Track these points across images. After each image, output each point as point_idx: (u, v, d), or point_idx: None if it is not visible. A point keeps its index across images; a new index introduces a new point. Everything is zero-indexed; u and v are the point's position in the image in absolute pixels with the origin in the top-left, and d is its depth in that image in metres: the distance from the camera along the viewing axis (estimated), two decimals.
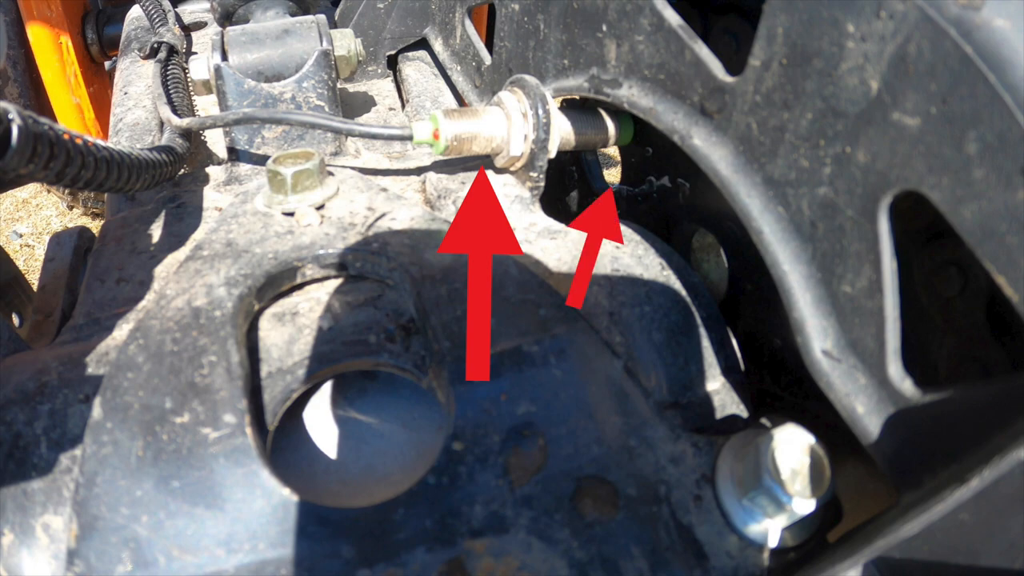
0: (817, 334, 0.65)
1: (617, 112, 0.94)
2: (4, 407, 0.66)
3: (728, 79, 0.68)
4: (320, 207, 0.83)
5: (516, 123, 0.85)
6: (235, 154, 1.00)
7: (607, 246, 0.81)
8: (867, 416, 0.59)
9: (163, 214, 0.99)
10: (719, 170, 0.70)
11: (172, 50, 1.21)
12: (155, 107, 1.13)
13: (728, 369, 0.78)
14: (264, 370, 0.70)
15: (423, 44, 1.22)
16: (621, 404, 0.67)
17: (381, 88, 1.22)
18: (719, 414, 0.77)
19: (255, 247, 0.77)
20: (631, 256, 0.81)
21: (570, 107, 0.93)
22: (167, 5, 1.30)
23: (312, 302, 0.76)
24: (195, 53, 1.29)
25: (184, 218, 0.96)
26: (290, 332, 0.73)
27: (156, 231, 0.97)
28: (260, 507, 0.59)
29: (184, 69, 1.19)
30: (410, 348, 0.71)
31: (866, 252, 0.57)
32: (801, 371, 0.81)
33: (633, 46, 0.79)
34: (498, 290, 0.69)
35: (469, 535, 0.59)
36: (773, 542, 0.64)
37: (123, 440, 0.61)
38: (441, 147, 0.85)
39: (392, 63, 1.25)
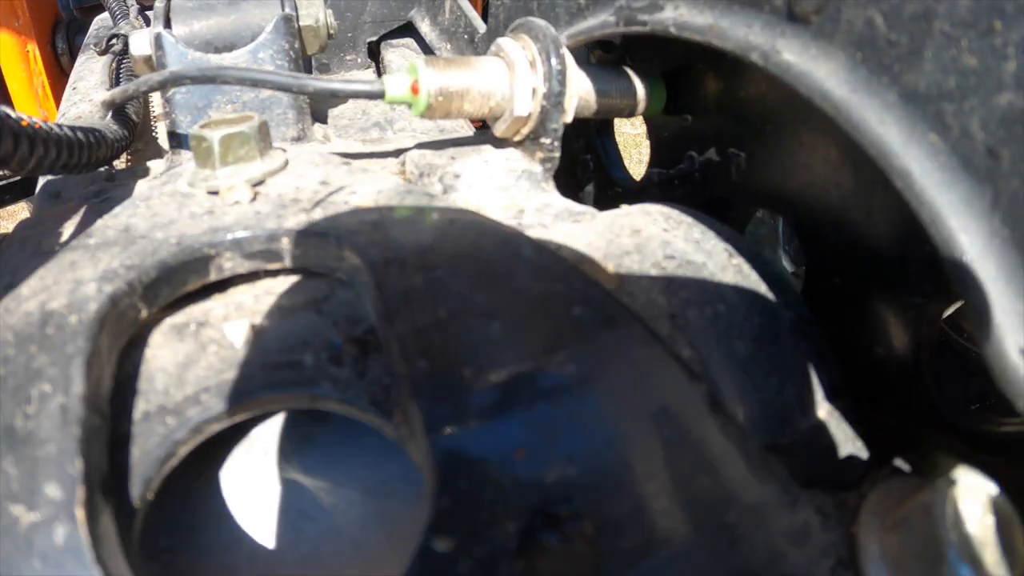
0: (1012, 324, 0.35)
1: (644, 74, 0.62)
2: None
3: None
4: (259, 184, 0.50)
5: (521, 74, 0.53)
6: (176, 140, 0.68)
7: (652, 228, 0.49)
8: None
9: (83, 210, 0.65)
10: (829, 92, 0.41)
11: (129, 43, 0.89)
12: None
13: (834, 392, 0.45)
14: (140, 408, 0.37)
15: (408, 31, 0.90)
16: (708, 455, 0.34)
17: (361, 79, 0.90)
18: (832, 456, 0.44)
19: (156, 232, 0.44)
20: (686, 240, 0.48)
21: (586, 63, 0.60)
22: (131, 0, 0.99)
23: (231, 307, 0.43)
24: None
25: (103, 213, 0.62)
26: (187, 350, 0.40)
27: (69, 229, 0.63)
28: None
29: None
30: (366, 373, 0.38)
31: None
32: (914, 389, 0.48)
33: None
34: (503, 280, 0.36)
35: None
36: None
37: None
38: (422, 104, 0.52)
39: (374, 52, 0.93)
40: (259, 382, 0.38)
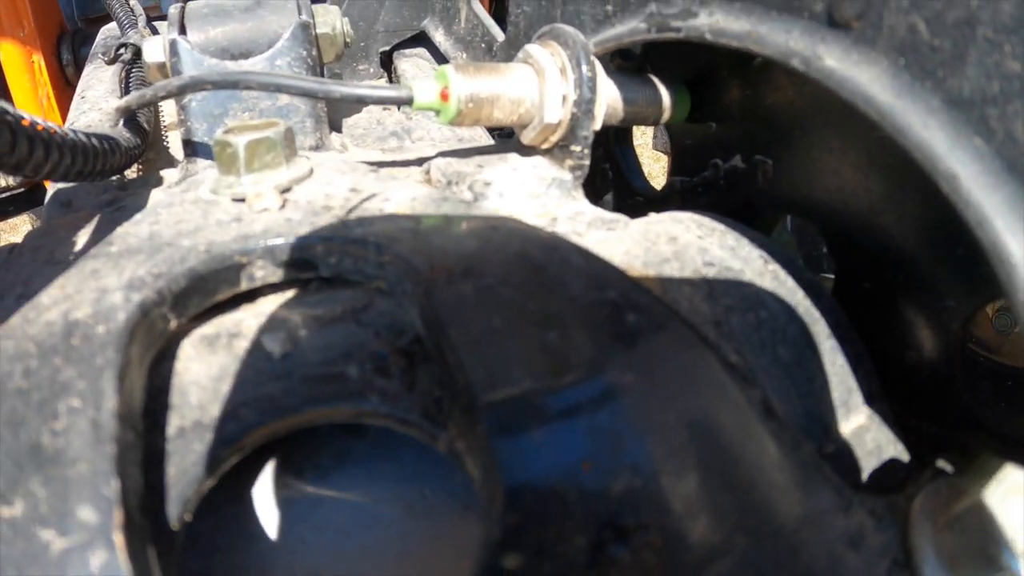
0: None
1: (668, 82, 0.62)
2: None
3: None
4: (285, 191, 0.49)
5: (552, 81, 0.52)
6: (191, 148, 0.67)
7: (687, 235, 0.48)
8: None
9: (96, 219, 0.64)
10: (872, 97, 0.41)
11: (138, 53, 0.88)
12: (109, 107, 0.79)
13: (872, 396, 0.45)
14: (173, 424, 0.36)
15: (420, 41, 0.90)
16: (764, 462, 0.33)
17: (388, 85, 0.89)
18: (875, 460, 0.43)
19: (183, 239, 0.43)
20: (721, 247, 0.48)
21: (613, 72, 0.60)
22: (139, 9, 0.98)
23: (262, 318, 0.41)
24: None
25: (118, 222, 0.60)
26: (222, 363, 0.38)
27: (82, 238, 0.62)
28: None
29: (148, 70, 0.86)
30: (415, 386, 0.37)
31: None
32: (947, 393, 0.48)
33: None
34: (556, 288, 0.35)
35: None
36: None
37: None
38: (452, 111, 0.52)
39: (386, 61, 0.92)
40: (302, 396, 0.37)
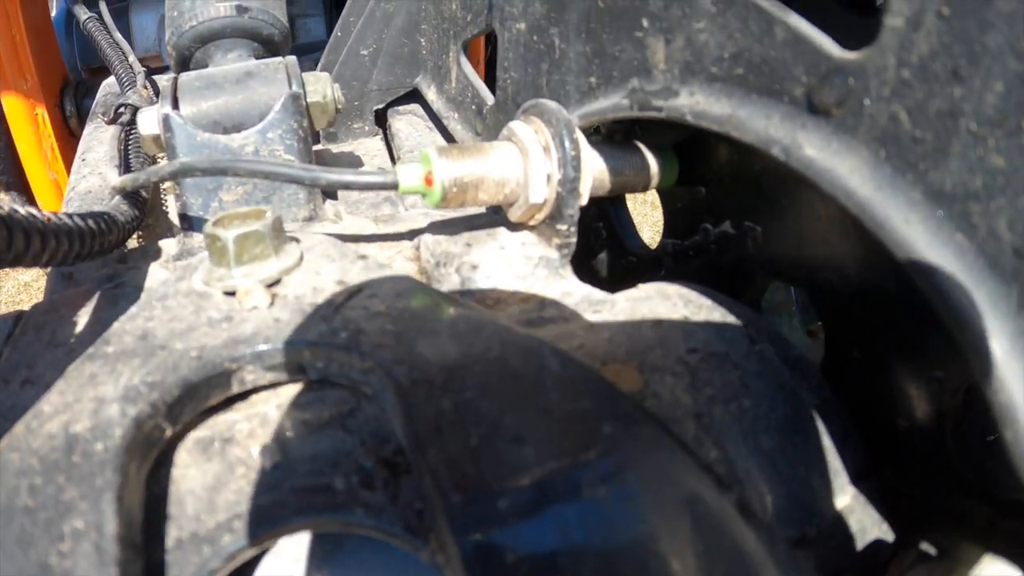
0: None
1: (655, 147, 0.62)
2: None
3: (848, 55, 0.40)
4: (275, 283, 0.50)
5: (535, 160, 0.53)
6: (188, 222, 0.68)
7: (673, 314, 0.49)
8: None
9: (96, 297, 0.65)
10: (852, 190, 0.41)
11: (137, 113, 0.90)
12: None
13: (859, 475, 0.45)
14: (172, 535, 0.37)
15: (414, 97, 0.91)
16: (740, 560, 0.34)
17: (369, 147, 0.91)
18: (859, 542, 0.43)
19: (176, 341, 0.44)
20: (707, 329, 0.48)
21: (598, 142, 0.61)
22: (138, 66, 1.00)
23: (255, 422, 0.42)
24: None
25: (119, 301, 0.62)
26: (216, 471, 0.40)
27: (83, 318, 0.63)
28: None
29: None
30: (398, 498, 0.38)
31: None
32: (938, 459, 0.49)
33: (691, 38, 0.48)
34: (532, 399, 0.36)
35: None
36: None
37: None
38: (437, 195, 0.53)
39: (381, 119, 0.93)
40: (291, 508, 0.38)
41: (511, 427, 0.36)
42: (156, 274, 0.70)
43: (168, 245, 0.74)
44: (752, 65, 0.46)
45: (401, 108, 0.93)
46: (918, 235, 0.38)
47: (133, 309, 0.53)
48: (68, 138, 1.31)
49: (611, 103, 0.57)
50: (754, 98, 0.46)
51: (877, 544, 0.44)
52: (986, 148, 0.34)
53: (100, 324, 0.61)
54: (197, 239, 0.70)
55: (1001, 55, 0.33)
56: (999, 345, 0.36)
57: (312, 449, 0.41)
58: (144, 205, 0.76)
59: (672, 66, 0.52)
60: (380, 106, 0.90)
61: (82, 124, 1.31)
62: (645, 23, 0.52)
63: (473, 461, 0.34)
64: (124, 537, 0.36)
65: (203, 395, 0.44)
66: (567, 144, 0.54)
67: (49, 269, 0.78)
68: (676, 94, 0.51)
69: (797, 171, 0.44)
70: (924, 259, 0.38)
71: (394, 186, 0.54)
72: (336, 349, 0.43)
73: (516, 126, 0.56)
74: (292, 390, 0.46)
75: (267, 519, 0.39)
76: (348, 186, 0.55)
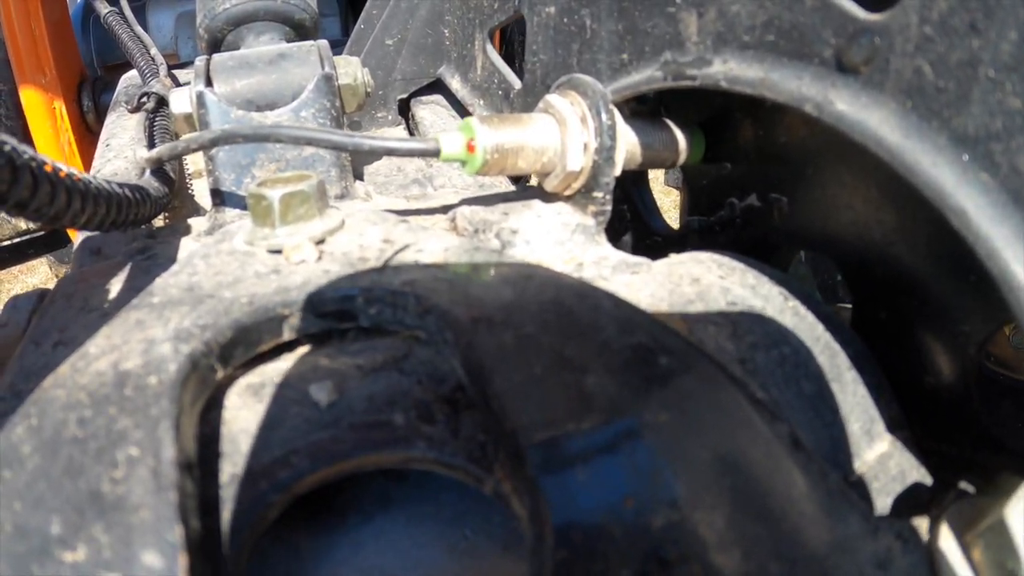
0: None
1: (682, 124, 0.64)
2: None
3: (873, 17, 0.43)
4: (319, 242, 0.51)
5: (572, 129, 0.55)
6: (219, 197, 0.70)
7: (709, 275, 0.50)
8: None
9: (128, 267, 0.66)
10: (883, 138, 0.44)
11: (161, 102, 0.92)
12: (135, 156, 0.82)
13: (894, 423, 0.47)
14: (226, 472, 0.38)
15: (436, 88, 0.93)
16: (794, 493, 0.35)
17: (415, 138, 0.92)
18: (899, 485, 0.45)
19: (224, 291, 0.45)
20: (742, 286, 0.50)
21: (628, 118, 0.63)
22: (160, 59, 1.02)
23: (307, 366, 0.43)
24: None
25: (152, 271, 0.64)
26: (270, 412, 0.41)
27: (116, 286, 0.64)
28: None
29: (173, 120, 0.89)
30: (459, 432, 0.39)
31: None
32: (965, 415, 0.50)
33: (723, 10, 0.51)
34: (590, 334, 0.37)
35: None
36: None
37: None
38: (478, 162, 0.54)
39: (404, 108, 0.95)
40: (351, 443, 0.39)
41: (573, 358, 0.37)
42: (187, 247, 0.71)
43: (197, 223, 0.75)
44: (782, 31, 0.49)
45: (424, 98, 0.95)
46: (946, 177, 0.41)
47: (175, 267, 0.54)
48: (85, 133, 1.33)
49: (644, 76, 0.59)
50: (785, 61, 0.49)
51: (917, 486, 0.45)
52: (1004, 92, 0.37)
53: (133, 291, 0.62)
54: (228, 215, 0.71)
55: (1013, 7, 0.36)
56: None
57: (368, 389, 0.42)
58: (174, 186, 0.77)
59: (705, 37, 0.54)
60: (404, 96, 0.92)
61: (100, 119, 1.32)
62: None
63: (538, 387, 0.36)
64: (182, 464, 0.36)
65: (254, 339, 0.45)
66: (603, 114, 0.56)
67: (76, 247, 0.79)
68: (709, 63, 0.54)
69: (828, 127, 0.46)
70: (953, 199, 0.40)
71: (436, 152, 0.56)
72: (391, 295, 0.44)
73: (553, 98, 0.59)
74: (342, 340, 0.47)
75: (325, 454, 0.39)
76: (390, 152, 0.57)
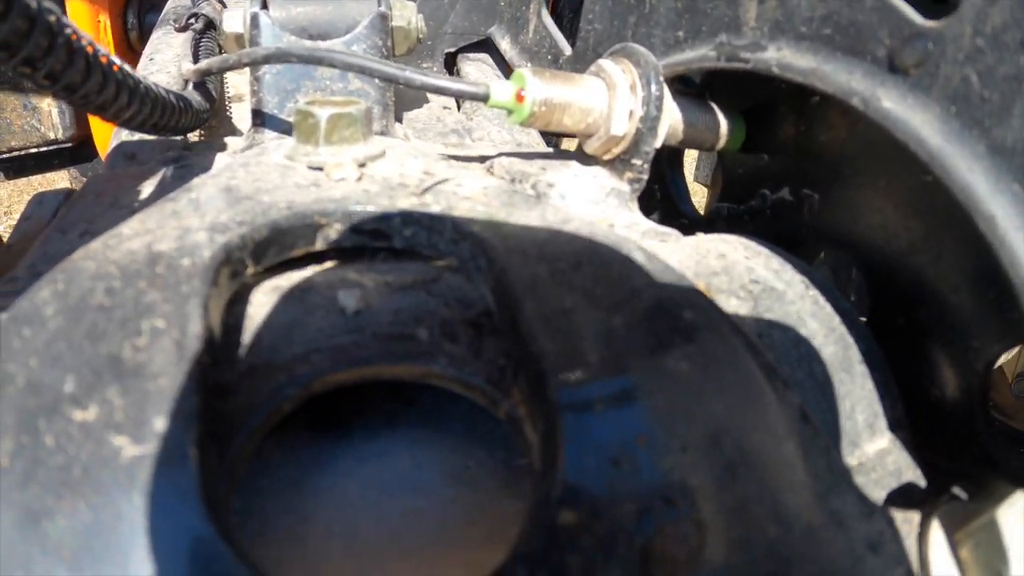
0: None
1: (726, 110, 0.65)
2: None
3: (929, 23, 0.45)
4: (362, 165, 0.52)
5: (621, 95, 0.56)
6: (260, 118, 0.71)
7: (734, 254, 0.51)
8: None
9: (161, 173, 0.67)
10: (924, 139, 0.46)
11: (209, 24, 0.93)
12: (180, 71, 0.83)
13: (896, 422, 0.48)
14: (246, 361, 0.39)
15: (485, 48, 0.94)
16: (798, 459, 0.36)
17: (466, 81, 0.93)
18: (894, 481, 0.46)
19: (263, 195, 0.46)
20: (766, 268, 0.51)
21: (675, 95, 0.64)
22: None
23: (335, 277, 0.44)
24: None
25: (185, 178, 0.64)
26: (295, 312, 0.42)
27: (147, 189, 0.65)
28: None
29: (220, 44, 0.90)
30: (481, 353, 0.40)
31: None
32: (966, 432, 0.52)
33: (785, 1, 0.51)
34: (622, 281, 0.38)
35: None
36: None
37: None
38: (525, 112, 0.56)
39: (450, 62, 0.96)
40: (373, 350, 0.40)
41: (603, 299, 0.38)
42: (222, 162, 0.72)
43: (234, 141, 0.76)
44: (840, 26, 0.50)
45: (471, 55, 0.96)
46: (980, 183, 0.42)
47: (214, 170, 0.55)
48: (127, 51, 1.33)
49: (697, 55, 0.60)
50: (839, 55, 0.50)
51: (911, 485, 0.46)
52: None
53: (164, 193, 0.62)
54: (267, 136, 0.72)
55: None
56: None
57: (396, 304, 0.43)
58: (214, 102, 0.78)
59: (762, 24, 0.55)
60: (451, 50, 0.93)
61: (143, 39, 1.33)
62: None
63: (567, 319, 0.37)
64: (207, 340, 0.36)
65: (288, 242, 0.46)
66: (653, 84, 0.57)
67: (110, 150, 0.80)
68: (764, 48, 0.55)
69: (869, 129, 0.47)
70: (984, 205, 0.41)
71: (485, 97, 0.57)
72: (429, 218, 0.45)
73: (605, 63, 0.59)
74: (372, 259, 0.48)
75: (347, 357, 0.40)
76: (440, 90, 0.58)
